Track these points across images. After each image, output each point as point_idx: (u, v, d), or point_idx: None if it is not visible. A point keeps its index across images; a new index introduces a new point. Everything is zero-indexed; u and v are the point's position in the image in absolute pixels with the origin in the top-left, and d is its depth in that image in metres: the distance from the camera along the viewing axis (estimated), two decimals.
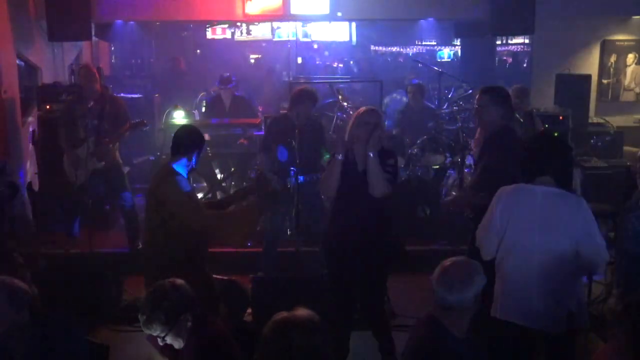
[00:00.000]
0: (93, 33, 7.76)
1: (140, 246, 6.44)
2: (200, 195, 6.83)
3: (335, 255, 4.26)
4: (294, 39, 11.27)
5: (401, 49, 15.05)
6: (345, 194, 4.15)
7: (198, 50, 12.95)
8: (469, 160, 6.42)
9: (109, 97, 6.34)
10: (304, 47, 12.12)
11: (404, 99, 8.85)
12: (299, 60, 12.12)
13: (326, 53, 13.42)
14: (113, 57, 10.93)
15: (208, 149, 6.94)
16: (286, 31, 11.23)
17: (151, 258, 4.28)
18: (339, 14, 8.03)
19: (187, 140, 4.29)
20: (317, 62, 13.48)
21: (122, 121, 6.27)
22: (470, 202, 4.54)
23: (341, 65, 13.81)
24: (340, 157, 4.07)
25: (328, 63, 13.60)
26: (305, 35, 11.41)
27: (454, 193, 7.32)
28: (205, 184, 7.60)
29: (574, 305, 3.35)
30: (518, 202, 3.45)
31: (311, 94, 5.70)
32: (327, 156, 5.68)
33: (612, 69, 8.40)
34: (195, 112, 8.57)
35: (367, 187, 4.03)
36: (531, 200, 3.40)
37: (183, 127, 4.53)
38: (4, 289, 2.91)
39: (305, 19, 9.39)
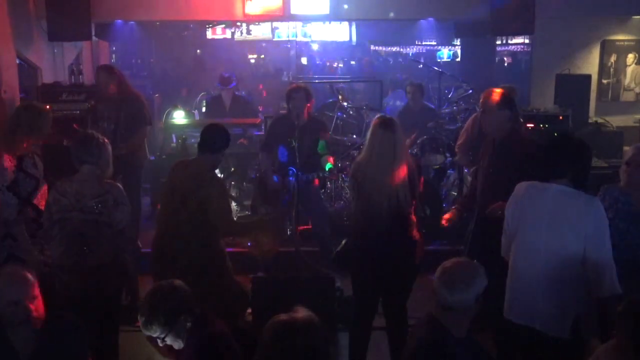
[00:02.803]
0: (93, 33, 7.75)
1: (140, 246, 6.44)
2: None
3: (365, 260, 4.23)
4: (294, 39, 11.26)
5: (401, 49, 15.02)
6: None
7: (198, 50, 12.95)
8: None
9: (128, 97, 6.14)
10: (304, 47, 12.12)
11: (398, 102, 8.84)
12: (304, 60, 12.11)
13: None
14: (113, 57, 10.90)
15: None
16: (286, 31, 11.21)
17: (179, 260, 4.24)
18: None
19: (217, 139, 4.30)
20: (317, 62, 13.48)
21: (139, 122, 6.12)
22: None
23: (341, 65, 13.81)
24: None
25: (328, 63, 13.59)
26: (305, 35, 11.40)
27: (454, 193, 7.33)
28: None
29: (582, 313, 3.27)
30: (529, 200, 3.41)
31: (298, 89, 5.60)
32: (329, 166, 5.65)
33: (612, 69, 8.38)
34: (195, 112, 8.57)
35: None
36: (542, 199, 3.35)
37: (212, 125, 4.45)
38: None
39: (305, 19, 9.38)
